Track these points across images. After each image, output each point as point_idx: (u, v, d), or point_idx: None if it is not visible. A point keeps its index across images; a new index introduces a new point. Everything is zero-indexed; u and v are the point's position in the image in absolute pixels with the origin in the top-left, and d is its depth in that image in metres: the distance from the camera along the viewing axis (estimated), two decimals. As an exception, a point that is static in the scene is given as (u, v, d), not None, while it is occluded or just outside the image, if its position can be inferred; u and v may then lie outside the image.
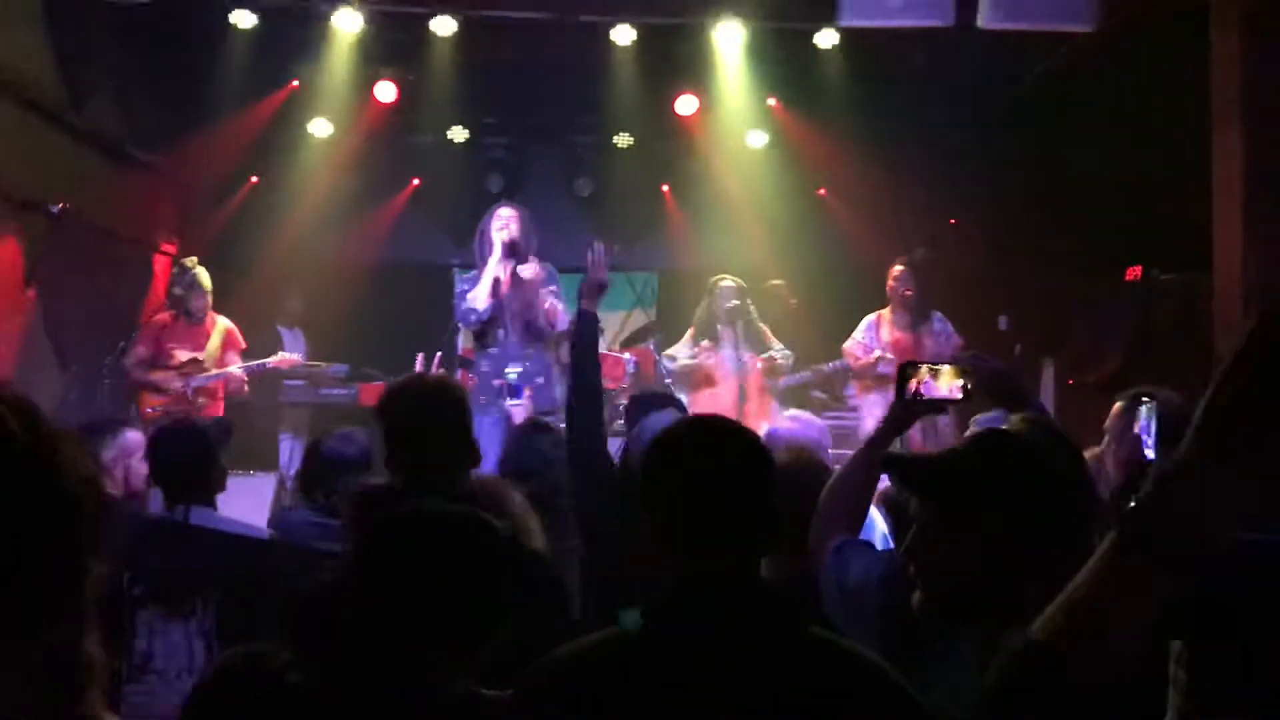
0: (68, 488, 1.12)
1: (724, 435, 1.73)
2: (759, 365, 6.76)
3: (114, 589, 3.04)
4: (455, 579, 1.69)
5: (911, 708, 1.59)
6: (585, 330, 3.55)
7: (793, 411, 4.07)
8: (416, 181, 9.46)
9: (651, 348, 8.06)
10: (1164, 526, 1.08)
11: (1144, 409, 2.65)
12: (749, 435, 1.75)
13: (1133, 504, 1.11)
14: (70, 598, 1.15)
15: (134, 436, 3.95)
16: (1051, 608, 1.15)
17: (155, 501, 5.95)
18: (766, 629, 1.59)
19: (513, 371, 5.67)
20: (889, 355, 6.46)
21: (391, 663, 1.63)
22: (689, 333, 7.13)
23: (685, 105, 8.44)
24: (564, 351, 5.96)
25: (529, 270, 5.68)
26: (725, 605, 1.59)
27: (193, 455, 3.31)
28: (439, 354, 7.50)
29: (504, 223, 5.74)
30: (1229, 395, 1.07)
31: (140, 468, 3.90)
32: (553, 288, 5.81)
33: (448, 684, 1.65)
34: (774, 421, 3.74)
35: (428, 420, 2.56)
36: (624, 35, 7.49)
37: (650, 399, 3.75)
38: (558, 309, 5.77)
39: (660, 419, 3.25)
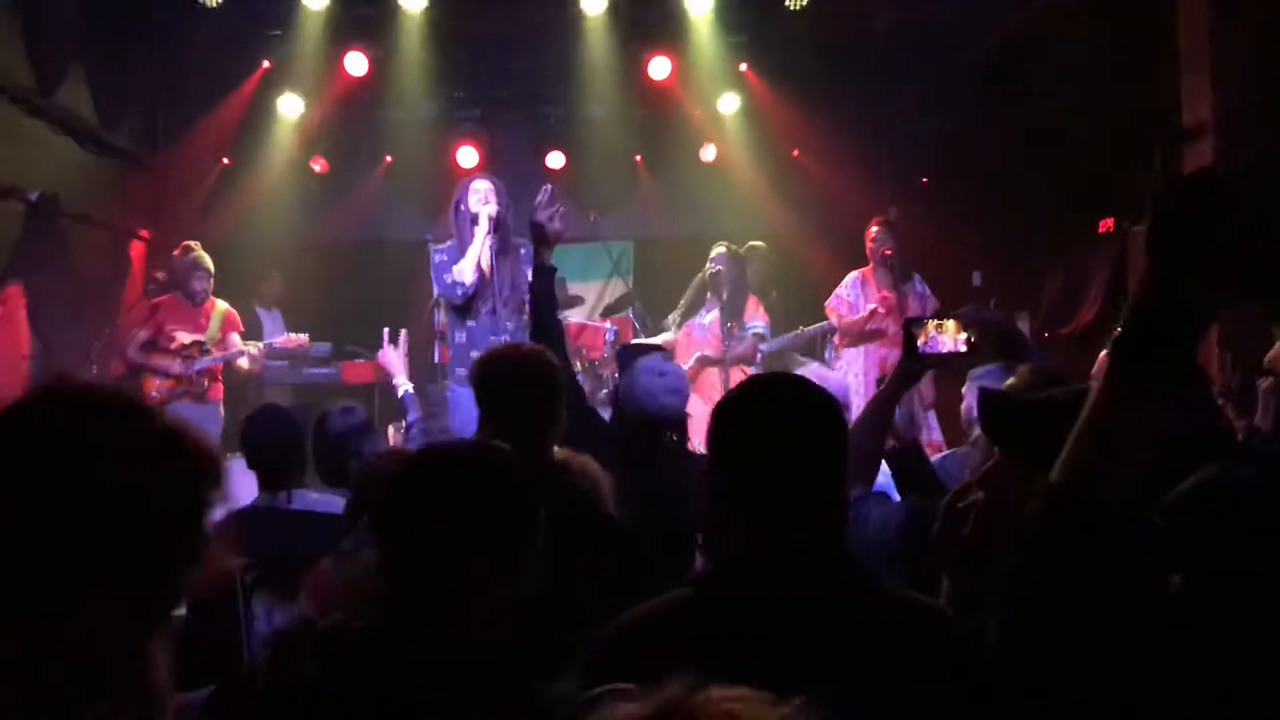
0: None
1: (795, 389, 1.73)
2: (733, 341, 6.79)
3: (228, 577, 3.09)
4: (461, 505, 1.63)
5: (969, 655, 1.62)
6: (544, 283, 3.75)
7: (814, 367, 4.11)
8: (389, 159, 9.42)
9: (631, 316, 8.11)
10: (1154, 331, 1.20)
11: None
12: (818, 389, 1.74)
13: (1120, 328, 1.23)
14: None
15: None
16: (1062, 455, 1.24)
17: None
18: (843, 582, 1.61)
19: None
20: (880, 309, 6.53)
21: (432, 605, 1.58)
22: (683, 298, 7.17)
23: (658, 68, 8.44)
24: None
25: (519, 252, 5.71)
26: (803, 560, 1.59)
27: (286, 440, 3.36)
28: (403, 330, 7.54)
29: (483, 195, 5.66)
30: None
31: None
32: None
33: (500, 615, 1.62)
34: None
35: (518, 387, 2.61)
36: (594, 4, 7.49)
37: (636, 349, 3.87)
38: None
39: (649, 361, 3.36)
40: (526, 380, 2.61)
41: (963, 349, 2.61)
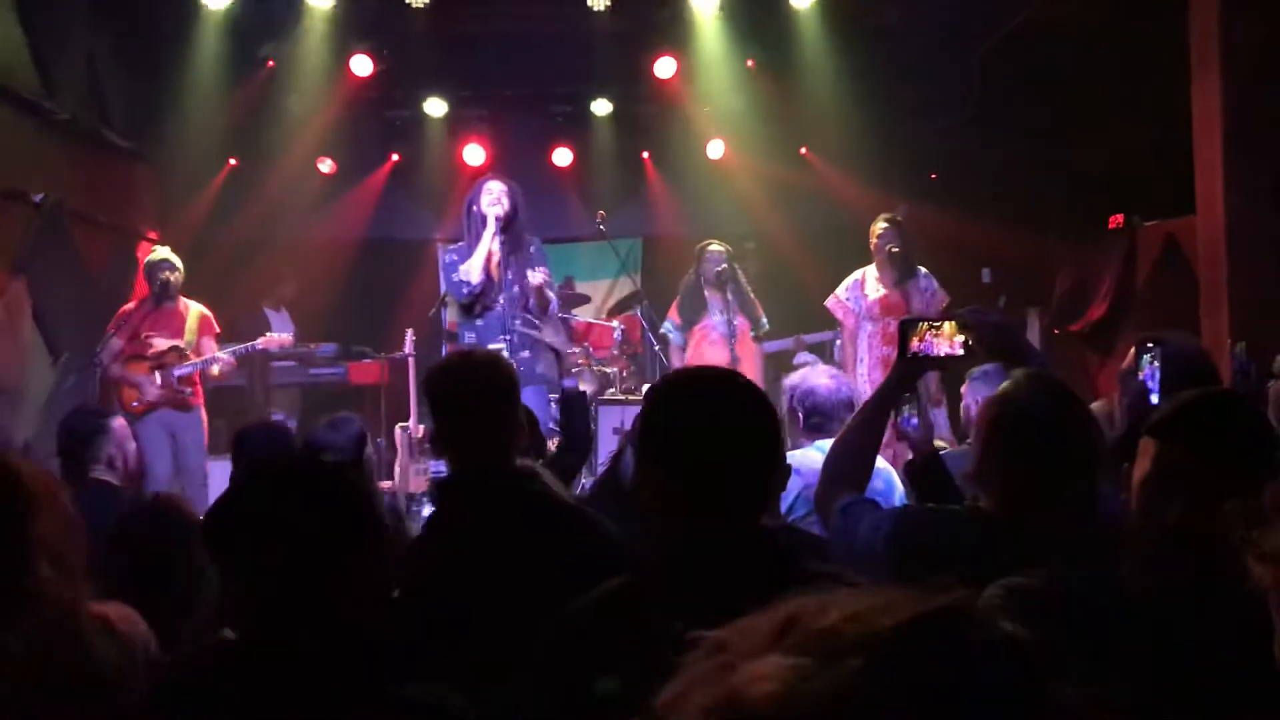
0: None
1: (725, 385, 1.75)
2: (750, 335, 6.83)
3: None
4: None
5: None
6: (575, 402, 3.95)
7: (825, 367, 4.07)
8: (396, 157, 9.41)
9: (638, 314, 8.09)
10: None
11: (1147, 355, 2.67)
12: (751, 385, 1.76)
13: None
14: None
15: (119, 423, 4.02)
16: None
17: (153, 483, 6.03)
18: (771, 571, 1.62)
19: (495, 346, 5.67)
20: (878, 310, 6.45)
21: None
22: (674, 304, 7.16)
23: (664, 68, 8.41)
24: (548, 331, 6.03)
25: (537, 277, 5.73)
26: (731, 554, 1.62)
27: (278, 453, 3.35)
28: (409, 330, 7.56)
29: (495, 197, 5.72)
30: None
31: (133, 448, 3.99)
32: (542, 268, 5.84)
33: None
34: (804, 378, 3.72)
35: (476, 399, 2.50)
36: (600, 1, 7.47)
37: None
38: (549, 298, 5.83)
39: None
40: (481, 388, 2.50)
41: (959, 351, 2.55)
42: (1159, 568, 1.61)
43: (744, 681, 0.71)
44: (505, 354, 5.42)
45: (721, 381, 1.77)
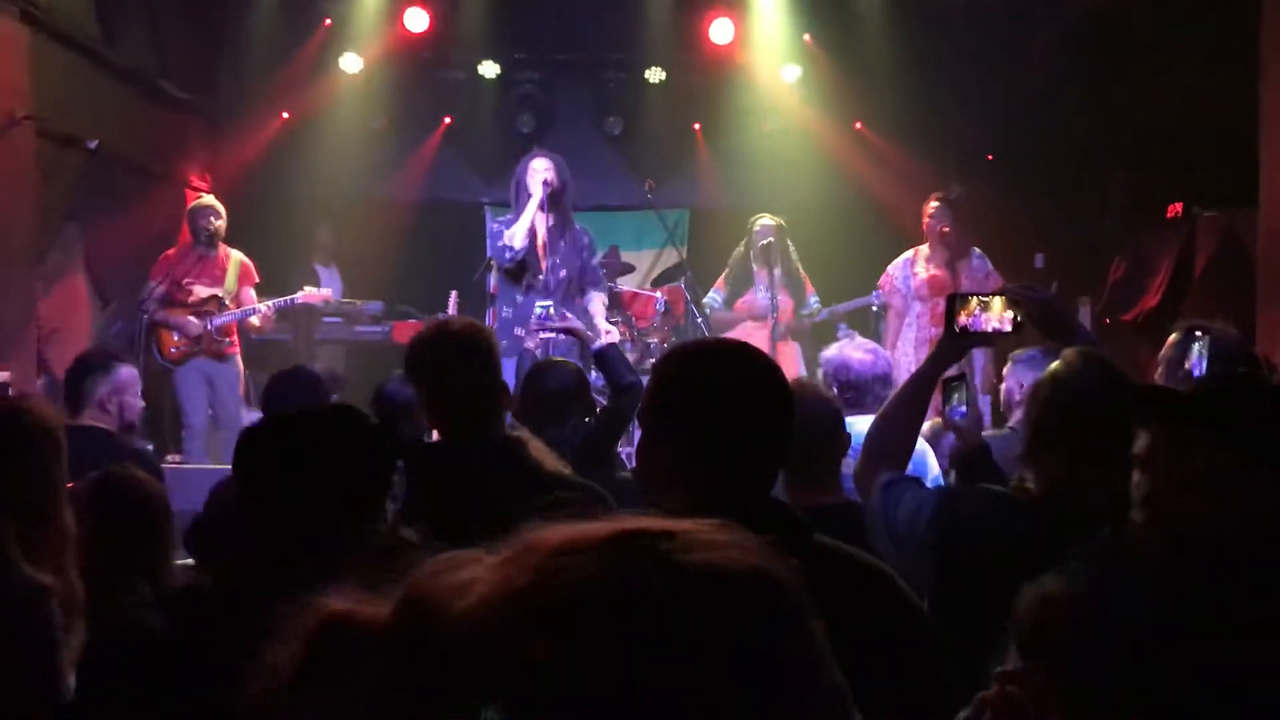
0: None
1: (742, 355, 1.74)
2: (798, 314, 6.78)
3: None
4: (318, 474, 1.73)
5: (914, 610, 1.65)
6: (608, 356, 4.01)
7: (861, 340, 4.02)
8: (448, 120, 9.39)
9: (682, 285, 8.04)
10: None
11: (1197, 344, 2.60)
12: (763, 358, 1.76)
13: None
14: None
15: (127, 372, 4.00)
16: None
17: (191, 431, 6.09)
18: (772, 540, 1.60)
19: (542, 305, 5.69)
20: (926, 291, 6.37)
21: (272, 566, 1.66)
22: (722, 276, 7.10)
23: (720, 31, 8.31)
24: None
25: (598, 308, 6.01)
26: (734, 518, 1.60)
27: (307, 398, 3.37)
28: (454, 293, 7.56)
29: (540, 176, 5.77)
30: None
31: (135, 402, 3.97)
32: (600, 293, 6.08)
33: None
34: (839, 351, 3.69)
35: (456, 369, 2.49)
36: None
37: None
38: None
39: None
40: (456, 358, 2.48)
41: (1008, 328, 2.48)
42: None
43: (433, 569, 0.71)
44: (544, 312, 5.47)
45: (730, 353, 1.75)
